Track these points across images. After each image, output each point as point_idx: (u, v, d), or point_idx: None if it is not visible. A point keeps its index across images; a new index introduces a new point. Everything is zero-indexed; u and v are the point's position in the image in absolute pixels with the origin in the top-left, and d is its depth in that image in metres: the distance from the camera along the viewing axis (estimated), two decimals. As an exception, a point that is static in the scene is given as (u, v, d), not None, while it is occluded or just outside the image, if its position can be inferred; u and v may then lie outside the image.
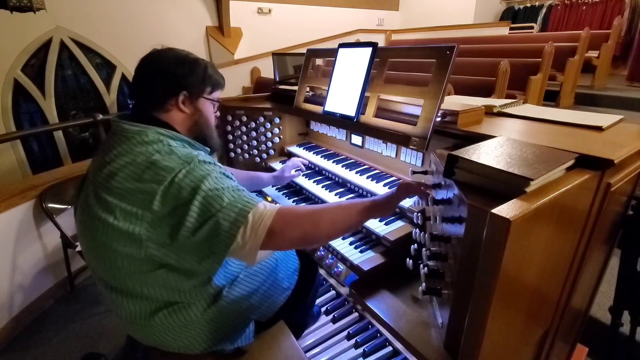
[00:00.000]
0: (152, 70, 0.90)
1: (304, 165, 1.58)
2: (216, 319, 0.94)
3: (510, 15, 7.07)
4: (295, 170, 1.55)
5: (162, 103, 0.91)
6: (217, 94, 1.02)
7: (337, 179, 1.55)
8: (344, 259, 1.17)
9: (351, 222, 0.94)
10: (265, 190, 1.64)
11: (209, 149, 0.98)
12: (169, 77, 0.90)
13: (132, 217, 0.76)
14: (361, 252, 1.16)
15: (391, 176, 1.43)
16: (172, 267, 0.81)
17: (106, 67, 4.61)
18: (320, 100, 1.55)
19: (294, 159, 1.58)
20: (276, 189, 1.64)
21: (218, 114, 1.06)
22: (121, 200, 0.77)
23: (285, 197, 1.57)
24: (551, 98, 3.86)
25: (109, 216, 0.77)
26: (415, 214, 1.07)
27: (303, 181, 1.57)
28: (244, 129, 1.87)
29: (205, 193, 0.76)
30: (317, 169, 1.68)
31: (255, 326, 1.04)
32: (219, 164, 0.88)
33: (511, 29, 6.18)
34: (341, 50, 1.46)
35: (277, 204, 0.87)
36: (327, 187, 1.50)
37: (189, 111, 0.95)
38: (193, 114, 0.96)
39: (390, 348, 1.20)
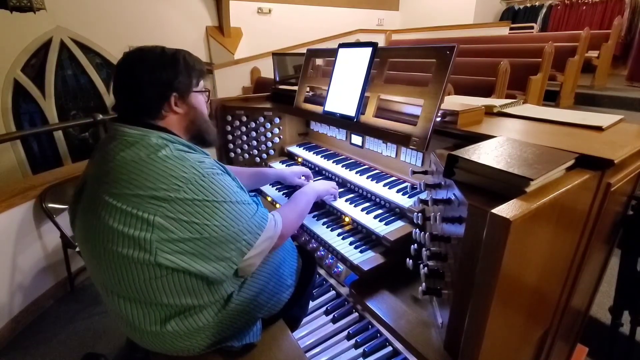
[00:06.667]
0: (136, 83, 0.87)
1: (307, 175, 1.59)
2: (225, 321, 0.94)
3: (510, 15, 7.07)
4: (305, 178, 1.56)
5: (157, 111, 0.90)
6: (203, 82, 1.01)
7: (337, 179, 1.55)
8: (344, 259, 1.17)
9: (307, 211, 1.22)
10: (265, 190, 1.64)
11: (207, 152, 0.98)
12: (156, 84, 0.88)
13: (144, 223, 0.76)
14: (361, 252, 1.16)
15: (391, 176, 1.43)
16: (184, 270, 0.81)
17: (106, 67, 4.62)
18: (320, 100, 1.55)
19: (303, 168, 1.60)
20: (276, 189, 1.63)
21: (208, 100, 1.04)
22: (132, 207, 0.76)
23: (285, 196, 1.57)
24: (551, 98, 3.86)
25: (119, 224, 0.76)
26: (415, 214, 1.07)
27: (303, 181, 1.57)
28: (243, 129, 1.87)
29: (222, 206, 0.82)
30: (317, 169, 1.68)
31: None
32: (229, 172, 0.93)
33: (511, 29, 6.18)
34: (341, 50, 1.46)
35: (275, 212, 1.01)
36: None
37: (182, 111, 0.94)
38: (187, 113, 0.95)
39: (390, 348, 1.20)
